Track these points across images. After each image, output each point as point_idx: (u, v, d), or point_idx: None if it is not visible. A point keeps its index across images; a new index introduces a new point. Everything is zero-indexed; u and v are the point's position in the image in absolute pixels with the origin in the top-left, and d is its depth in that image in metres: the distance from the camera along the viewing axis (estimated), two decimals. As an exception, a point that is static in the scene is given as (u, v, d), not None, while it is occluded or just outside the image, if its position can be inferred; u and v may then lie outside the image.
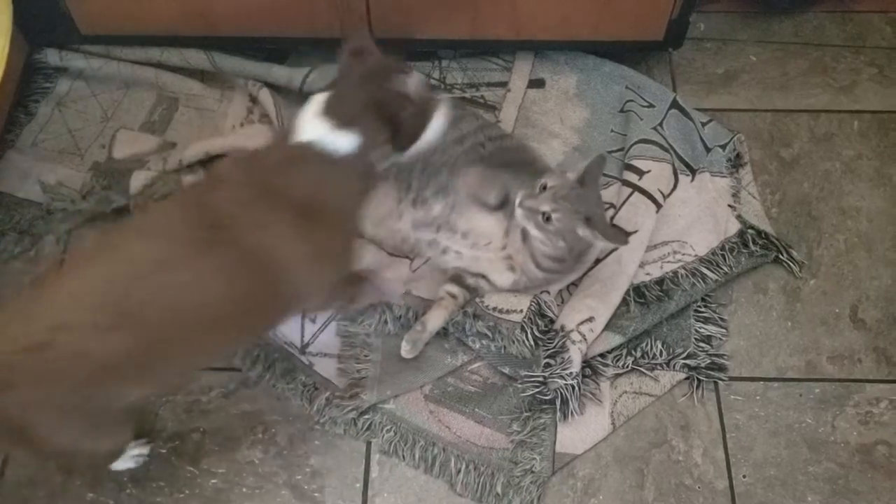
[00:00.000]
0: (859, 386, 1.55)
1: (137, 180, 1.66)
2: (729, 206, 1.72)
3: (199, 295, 1.15)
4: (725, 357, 1.57)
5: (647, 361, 1.55)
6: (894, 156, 1.81)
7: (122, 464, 1.41)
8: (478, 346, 1.53)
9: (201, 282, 1.15)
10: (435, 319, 1.52)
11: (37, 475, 1.44)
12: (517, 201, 1.45)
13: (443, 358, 1.54)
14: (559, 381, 1.47)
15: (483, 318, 1.52)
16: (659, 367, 1.55)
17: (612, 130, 1.81)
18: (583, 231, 1.43)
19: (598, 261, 1.60)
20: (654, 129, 1.76)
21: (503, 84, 1.87)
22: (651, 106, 1.81)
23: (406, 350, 1.51)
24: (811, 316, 1.63)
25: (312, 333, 1.56)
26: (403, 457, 1.47)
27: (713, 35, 1.99)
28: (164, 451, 1.46)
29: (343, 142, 1.20)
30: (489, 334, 1.52)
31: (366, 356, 1.54)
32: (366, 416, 1.49)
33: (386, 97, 1.22)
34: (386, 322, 1.55)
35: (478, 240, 1.53)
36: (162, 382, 1.25)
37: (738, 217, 1.70)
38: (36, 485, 1.43)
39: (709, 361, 1.55)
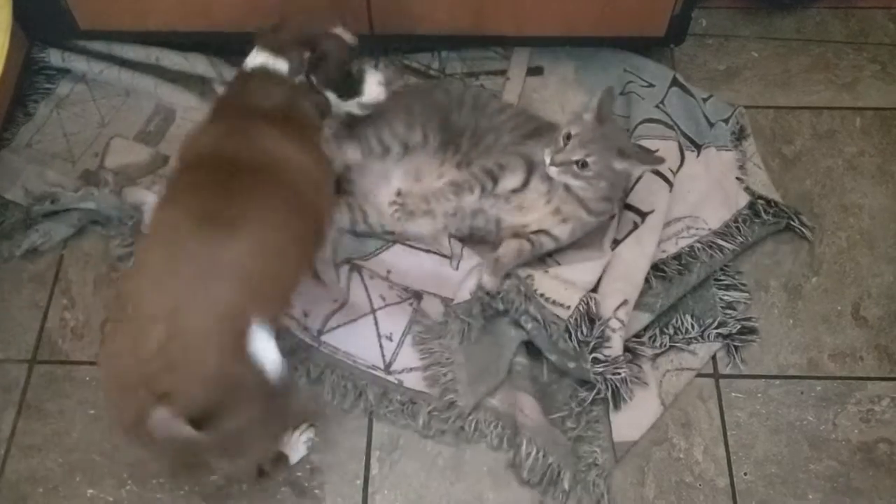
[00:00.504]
0: (861, 384, 1.55)
1: (131, 195, 1.65)
2: (737, 178, 1.73)
3: (238, 233, 1.19)
4: (754, 320, 1.59)
5: (681, 337, 1.56)
6: (896, 152, 1.81)
7: (296, 454, 1.43)
8: (530, 326, 1.51)
9: (238, 219, 1.20)
10: (508, 249, 1.53)
11: (37, 472, 1.44)
12: (547, 161, 1.46)
13: (508, 330, 1.52)
14: (612, 377, 1.47)
15: (533, 302, 1.51)
16: (694, 341, 1.56)
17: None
18: (619, 164, 1.46)
19: (616, 241, 1.60)
20: (657, 107, 1.76)
21: (502, 72, 1.87)
22: (651, 86, 1.81)
23: (488, 281, 1.51)
24: (813, 313, 1.62)
25: (392, 352, 1.53)
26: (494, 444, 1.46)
27: (715, 31, 1.98)
28: (163, 447, 1.46)
29: (278, 64, 1.37)
30: (539, 320, 1.50)
31: (448, 360, 1.50)
32: (469, 418, 1.47)
33: (312, 36, 1.39)
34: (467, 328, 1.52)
35: (522, 202, 1.54)
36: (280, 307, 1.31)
37: (747, 189, 1.72)
38: (35, 481, 1.43)
39: (739, 327, 1.57)
